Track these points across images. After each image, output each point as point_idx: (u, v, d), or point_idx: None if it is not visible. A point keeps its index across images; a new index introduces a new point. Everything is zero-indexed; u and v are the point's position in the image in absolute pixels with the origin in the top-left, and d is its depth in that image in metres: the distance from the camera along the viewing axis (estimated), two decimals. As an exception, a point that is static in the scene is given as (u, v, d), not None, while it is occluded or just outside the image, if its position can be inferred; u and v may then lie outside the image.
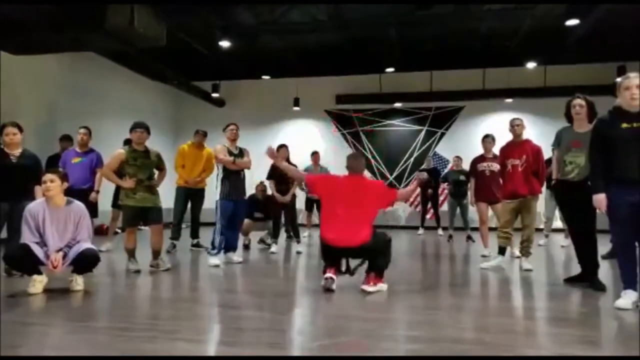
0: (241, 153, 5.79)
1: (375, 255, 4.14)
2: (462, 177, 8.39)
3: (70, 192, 4.34)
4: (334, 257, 4.19)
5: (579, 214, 4.30)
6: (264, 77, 12.78)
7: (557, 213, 7.75)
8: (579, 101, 4.35)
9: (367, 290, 3.99)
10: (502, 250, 5.41)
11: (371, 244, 4.08)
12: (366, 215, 4.15)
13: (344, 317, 3.39)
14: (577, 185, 4.25)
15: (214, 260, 5.53)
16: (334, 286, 4.02)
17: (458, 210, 8.61)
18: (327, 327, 3.19)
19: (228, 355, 2.56)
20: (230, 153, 5.67)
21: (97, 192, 6.24)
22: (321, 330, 3.12)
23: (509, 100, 12.02)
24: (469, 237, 8.48)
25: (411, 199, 12.67)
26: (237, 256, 5.85)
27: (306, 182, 4.60)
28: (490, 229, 6.68)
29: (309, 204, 8.90)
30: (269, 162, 7.34)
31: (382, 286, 4.12)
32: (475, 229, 7.73)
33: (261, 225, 7.57)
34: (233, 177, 5.64)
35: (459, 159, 8.97)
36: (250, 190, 7.64)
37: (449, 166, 10.68)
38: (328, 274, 4.06)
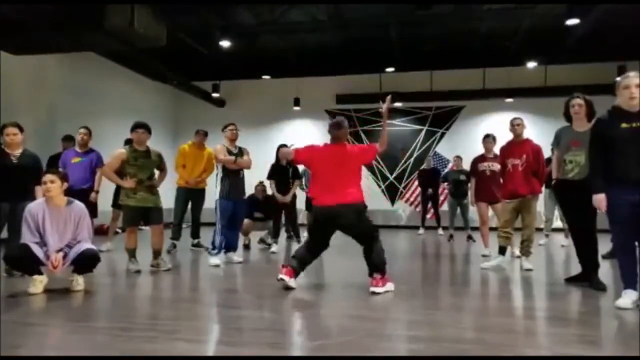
0: (241, 152, 5.79)
1: (364, 237, 4.23)
2: (462, 177, 8.38)
3: (70, 192, 4.34)
4: (324, 230, 4.29)
5: (579, 213, 4.30)
6: (264, 77, 12.79)
7: (557, 212, 7.76)
8: (577, 101, 4.35)
9: (377, 292, 3.99)
10: (502, 250, 5.40)
11: (361, 212, 4.25)
12: (352, 176, 4.29)
13: (344, 316, 3.39)
14: (577, 185, 4.24)
15: (215, 260, 5.53)
16: (292, 284, 4.13)
17: (458, 210, 8.61)
18: (327, 327, 3.20)
19: (228, 355, 2.57)
20: (230, 153, 5.67)
21: (97, 192, 6.24)
22: (321, 330, 3.12)
23: (509, 100, 12.01)
24: (470, 237, 8.48)
25: (412, 199, 12.68)
26: (237, 256, 5.85)
27: (294, 156, 4.51)
28: (491, 228, 6.68)
29: (309, 204, 8.90)
30: (268, 162, 7.39)
31: (390, 286, 4.12)
32: (475, 229, 7.72)
33: (261, 225, 7.57)
34: (232, 177, 5.65)
35: (459, 158, 8.97)
36: (250, 190, 7.65)
37: (449, 166, 10.68)
38: (281, 275, 4.11)
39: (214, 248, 5.62)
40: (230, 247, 5.81)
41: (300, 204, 8.24)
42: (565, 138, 4.43)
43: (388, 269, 4.21)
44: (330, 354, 2.54)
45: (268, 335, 2.92)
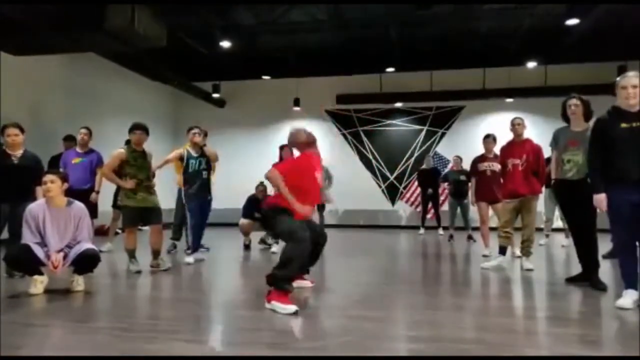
0: (203, 153, 5.85)
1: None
2: (462, 177, 8.38)
3: (70, 193, 4.34)
4: None
5: (579, 213, 4.31)
6: (264, 77, 12.79)
7: (557, 212, 7.76)
8: (574, 101, 4.38)
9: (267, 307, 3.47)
10: (502, 250, 5.40)
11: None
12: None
13: (344, 317, 3.39)
14: (576, 184, 4.27)
15: (189, 259, 5.68)
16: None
17: (458, 210, 8.60)
18: (327, 327, 3.20)
19: (228, 355, 2.57)
20: (191, 156, 5.76)
21: (98, 192, 6.24)
22: (322, 330, 3.12)
23: (510, 100, 12.01)
24: (470, 237, 8.48)
25: (412, 199, 12.69)
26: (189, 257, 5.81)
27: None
28: (491, 228, 6.67)
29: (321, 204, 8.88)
30: (269, 162, 7.38)
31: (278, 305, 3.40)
32: (476, 229, 7.72)
33: (262, 226, 7.56)
34: (192, 179, 5.75)
35: (459, 158, 8.96)
36: (250, 190, 7.65)
37: (450, 166, 10.67)
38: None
39: (188, 248, 5.80)
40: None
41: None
42: (563, 138, 4.45)
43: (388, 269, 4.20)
44: (331, 354, 2.55)
45: (268, 335, 2.92)
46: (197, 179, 5.78)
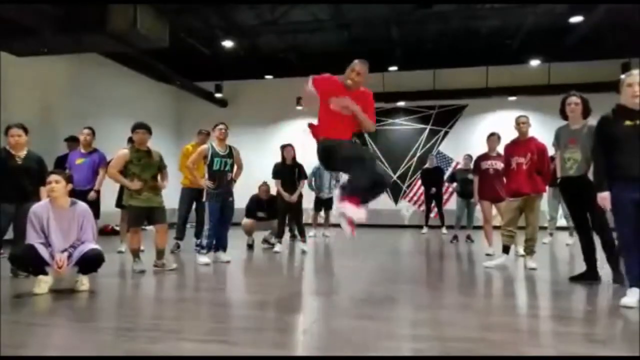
0: (230, 153, 5.78)
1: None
2: (469, 176, 8.33)
3: (74, 193, 4.36)
4: None
5: (582, 209, 4.33)
6: (266, 77, 12.80)
7: (561, 211, 7.74)
8: (574, 99, 4.39)
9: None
10: (506, 249, 5.39)
11: None
12: None
13: (347, 316, 3.39)
14: (576, 180, 4.31)
15: (204, 259, 5.58)
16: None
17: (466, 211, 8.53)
18: (330, 327, 3.19)
19: (231, 355, 2.57)
20: (217, 154, 5.66)
21: (97, 191, 6.21)
22: (325, 330, 3.12)
23: (513, 98, 11.98)
24: (468, 237, 8.38)
25: (415, 198, 12.67)
26: (225, 255, 5.82)
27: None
28: (495, 227, 6.66)
29: (318, 204, 8.88)
30: (272, 162, 7.39)
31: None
32: (478, 228, 7.70)
33: (264, 225, 7.57)
34: (218, 178, 5.64)
35: (469, 157, 8.85)
36: (252, 190, 7.66)
37: (453, 164, 10.64)
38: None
39: (202, 248, 5.69)
40: (219, 246, 5.83)
41: (307, 203, 8.22)
42: (563, 137, 4.48)
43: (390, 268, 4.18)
44: (333, 354, 2.54)
45: (271, 335, 2.92)
46: (221, 179, 5.65)
